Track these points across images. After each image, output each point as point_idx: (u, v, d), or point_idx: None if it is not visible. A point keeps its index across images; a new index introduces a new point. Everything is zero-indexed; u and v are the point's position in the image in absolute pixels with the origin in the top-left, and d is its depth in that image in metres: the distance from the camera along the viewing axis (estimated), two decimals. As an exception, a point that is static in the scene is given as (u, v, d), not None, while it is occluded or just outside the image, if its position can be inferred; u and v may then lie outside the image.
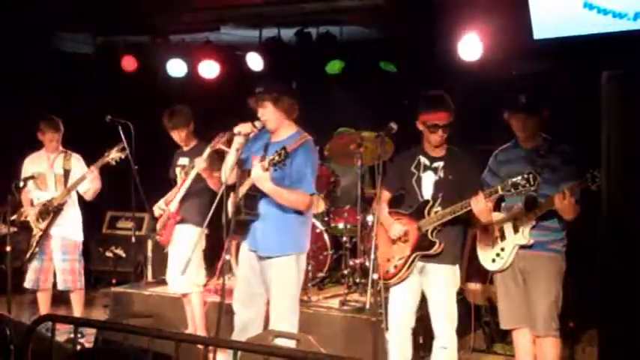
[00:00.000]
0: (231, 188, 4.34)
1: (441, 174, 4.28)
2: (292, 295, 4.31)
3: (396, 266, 4.31)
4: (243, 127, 4.25)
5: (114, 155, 5.65)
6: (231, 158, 4.34)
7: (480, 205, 4.03)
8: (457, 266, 4.34)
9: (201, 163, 5.10)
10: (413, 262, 4.27)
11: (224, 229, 4.30)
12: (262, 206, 4.25)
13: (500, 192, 4.01)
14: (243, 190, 4.22)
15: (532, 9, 4.82)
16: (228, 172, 4.34)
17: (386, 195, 4.46)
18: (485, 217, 4.13)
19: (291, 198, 4.18)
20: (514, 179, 3.90)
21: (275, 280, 4.25)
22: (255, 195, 4.23)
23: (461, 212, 4.14)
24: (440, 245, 4.20)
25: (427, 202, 4.26)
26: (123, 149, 5.68)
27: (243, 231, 4.33)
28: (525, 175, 3.87)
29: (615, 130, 3.25)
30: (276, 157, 3.98)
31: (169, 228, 5.48)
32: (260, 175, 4.05)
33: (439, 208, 4.22)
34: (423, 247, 4.24)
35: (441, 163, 4.30)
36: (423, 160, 4.34)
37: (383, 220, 4.40)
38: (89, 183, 5.78)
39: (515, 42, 5.51)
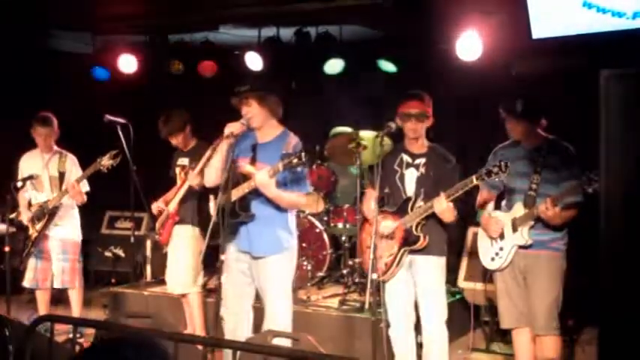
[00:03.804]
0: (214, 190, 4.27)
1: (423, 170, 4.34)
2: (288, 293, 4.29)
3: (386, 263, 4.34)
4: (234, 127, 4.12)
5: (105, 162, 5.38)
6: (217, 159, 4.22)
7: (441, 205, 4.08)
8: (444, 258, 4.37)
9: (193, 179, 5.15)
10: (402, 257, 4.31)
11: (211, 230, 4.16)
12: (255, 207, 4.18)
13: (475, 182, 4.07)
14: (239, 192, 4.13)
15: (530, 8, 4.82)
16: (214, 174, 4.25)
17: (373, 194, 4.47)
18: (448, 217, 4.16)
19: (291, 200, 4.18)
20: (487, 167, 4.02)
21: (272, 279, 4.21)
22: (246, 196, 4.16)
23: None
24: (424, 239, 4.25)
25: (409, 198, 4.33)
26: (116, 156, 5.41)
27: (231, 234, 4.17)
28: (497, 163, 3.95)
29: (614, 129, 3.25)
30: (295, 160, 3.88)
31: (168, 228, 5.48)
32: (267, 182, 4.00)
33: (421, 204, 4.27)
34: (409, 242, 4.29)
35: (422, 160, 4.35)
36: (405, 157, 4.40)
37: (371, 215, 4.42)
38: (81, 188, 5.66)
39: (514, 41, 5.51)
